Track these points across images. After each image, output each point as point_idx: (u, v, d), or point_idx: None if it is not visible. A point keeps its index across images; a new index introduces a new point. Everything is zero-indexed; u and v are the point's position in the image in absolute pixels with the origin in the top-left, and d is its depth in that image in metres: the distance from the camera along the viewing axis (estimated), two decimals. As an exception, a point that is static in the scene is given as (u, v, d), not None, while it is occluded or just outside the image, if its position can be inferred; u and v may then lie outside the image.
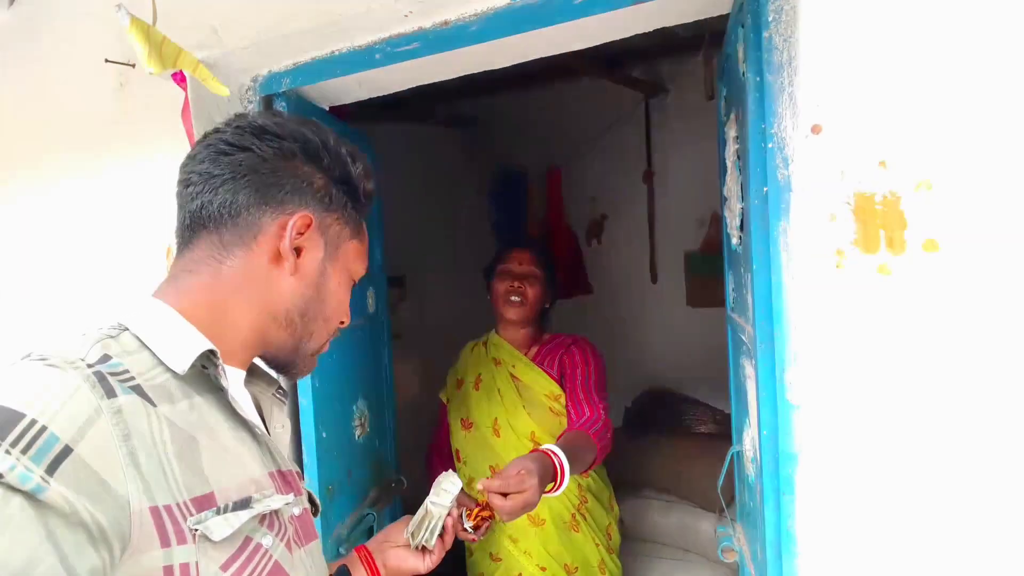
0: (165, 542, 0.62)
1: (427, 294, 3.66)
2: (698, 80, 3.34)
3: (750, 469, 1.35)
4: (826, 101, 0.88)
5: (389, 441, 2.07)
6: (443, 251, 3.61)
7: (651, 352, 3.74)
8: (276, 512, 0.74)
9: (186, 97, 1.17)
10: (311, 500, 0.90)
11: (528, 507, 1.23)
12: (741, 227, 1.26)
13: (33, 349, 0.66)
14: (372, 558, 1.10)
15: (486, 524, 1.39)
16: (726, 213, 1.38)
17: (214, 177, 0.76)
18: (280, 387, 0.93)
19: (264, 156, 0.77)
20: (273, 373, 0.89)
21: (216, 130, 0.80)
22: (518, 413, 1.84)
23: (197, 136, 1.41)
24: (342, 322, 0.89)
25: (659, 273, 3.64)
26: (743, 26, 1.11)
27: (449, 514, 1.15)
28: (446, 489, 1.16)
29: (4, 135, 1.69)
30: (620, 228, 3.74)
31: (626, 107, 3.58)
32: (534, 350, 1.92)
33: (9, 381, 0.61)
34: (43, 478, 0.55)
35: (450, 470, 1.24)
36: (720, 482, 1.56)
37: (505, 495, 1.22)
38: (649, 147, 3.56)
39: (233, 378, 0.78)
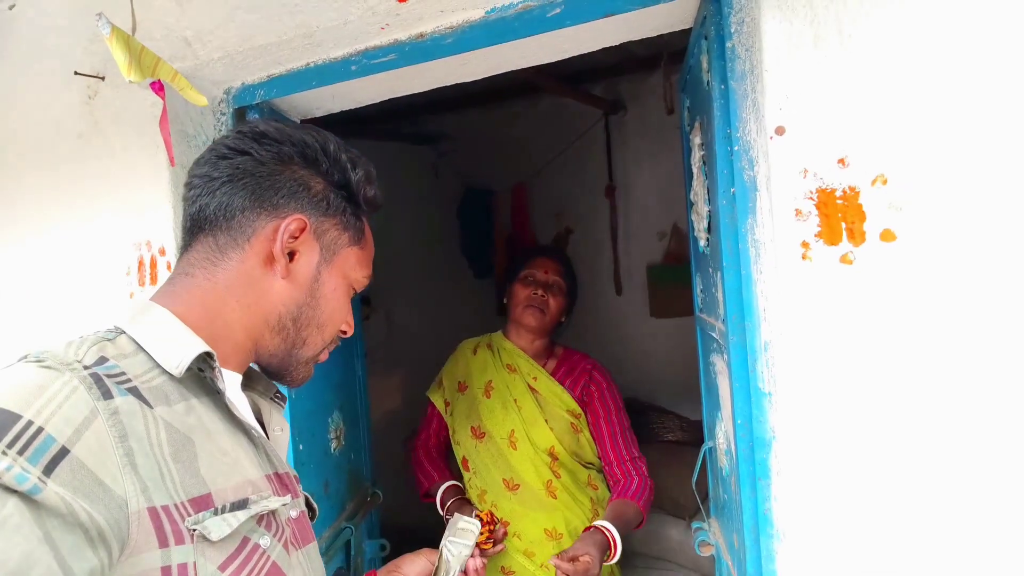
0: (163, 542, 0.62)
1: (394, 311, 3.67)
2: (656, 97, 3.46)
3: (723, 462, 1.39)
4: (788, 104, 0.95)
5: (364, 454, 2.06)
6: (409, 268, 3.62)
7: (617, 362, 3.77)
8: (274, 513, 0.75)
9: (164, 107, 1.17)
10: (308, 504, 0.90)
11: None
12: (709, 229, 1.32)
13: (29, 351, 0.66)
14: None
15: (492, 541, 1.61)
16: (693, 217, 1.44)
17: (213, 180, 0.78)
18: (279, 391, 0.93)
19: (261, 160, 0.78)
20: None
21: (224, 136, 0.82)
22: (538, 425, 1.82)
23: (176, 146, 1.43)
24: (343, 331, 0.88)
25: (623, 285, 3.72)
26: (706, 38, 1.18)
27: (473, 555, 1.15)
28: (463, 528, 1.14)
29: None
30: (585, 242, 3.81)
31: (587, 124, 3.68)
32: (552, 363, 1.91)
33: (5, 383, 0.61)
34: (40, 479, 0.55)
35: (461, 514, 1.25)
36: (695, 476, 1.61)
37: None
38: (610, 162, 3.65)
39: (230, 381, 0.79)
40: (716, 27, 1.10)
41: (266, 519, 0.73)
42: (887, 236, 0.90)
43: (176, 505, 0.64)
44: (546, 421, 1.82)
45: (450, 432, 1.98)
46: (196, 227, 0.79)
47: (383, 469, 2.24)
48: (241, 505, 0.70)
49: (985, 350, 0.86)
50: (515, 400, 1.85)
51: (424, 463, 2.02)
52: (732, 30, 1.07)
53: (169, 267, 1.45)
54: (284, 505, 0.76)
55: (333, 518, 1.81)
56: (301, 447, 1.64)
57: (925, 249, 0.88)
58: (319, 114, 1.68)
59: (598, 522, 1.67)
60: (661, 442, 3.28)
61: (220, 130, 1.53)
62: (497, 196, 4.02)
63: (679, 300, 3.67)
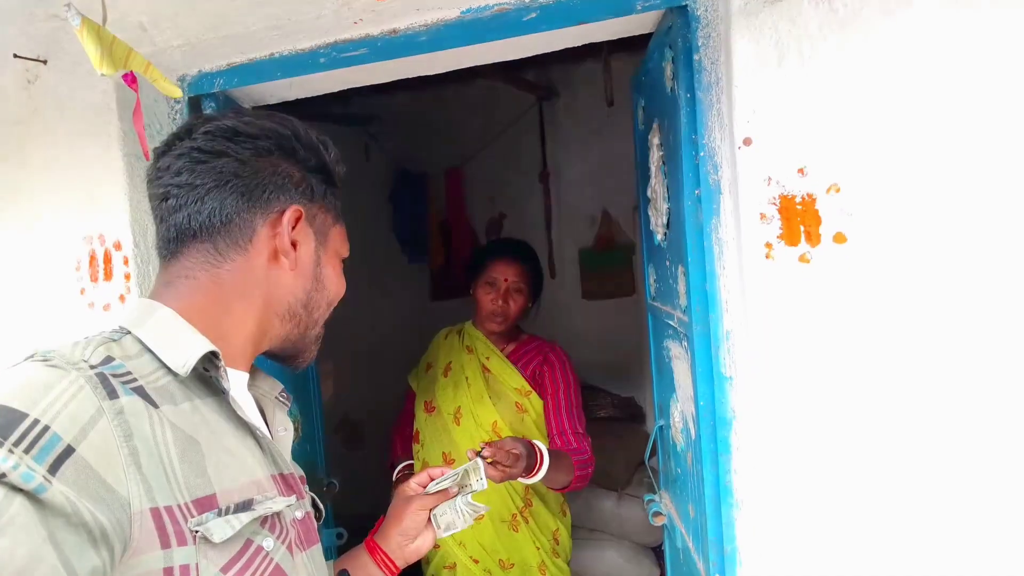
0: (165, 543, 0.63)
1: (328, 296, 3.61)
2: (587, 84, 3.56)
3: (679, 439, 1.51)
4: (755, 118, 1.05)
5: (319, 445, 2.06)
6: (342, 252, 3.56)
7: (551, 343, 3.93)
8: (278, 515, 0.75)
9: (138, 99, 1.13)
10: (315, 505, 0.91)
11: (510, 479, 1.44)
12: (668, 225, 1.42)
13: (35, 350, 0.66)
14: (390, 560, 1.06)
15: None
16: (650, 212, 1.53)
17: (196, 187, 0.76)
18: (283, 390, 0.93)
19: (242, 159, 0.78)
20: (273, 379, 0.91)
21: (179, 136, 0.79)
22: (483, 402, 1.88)
23: (128, 135, 1.37)
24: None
25: (556, 268, 3.83)
26: (671, 47, 1.26)
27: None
28: (481, 477, 1.15)
29: None
30: (518, 226, 3.88)
31: (520, 109, 3.73)
32: (511, 347, 1.96)
33: (11, 381, 0.61)
34: (45, 478, 0.55)
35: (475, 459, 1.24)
36: (647, 453, 1.73)
37: (494, 464, 1.37)
38: (544, 148, 3.73)
39: (235, 380, 0.79)
40: (683, 39, 1.18)
41: (270, 521, 0.74)
42: (839, 238, 1.02)
43: (179, 506, 0.64)
44: (490, 398, 1.87)
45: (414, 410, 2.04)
46: (186, 235, 0.78)
47: (334, 459, 2.24)
48: (245, 507, 0.70)
49: (921, 337, 1.00)
50: (467, 378, 1.92)
51: (395, 440, 2.11)
52: (699, 43, 1.16)
53: (127, 262, 1.40)
54: (289, 506, 0.77)
55: (293, 509, 1.81)
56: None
57: (871, 250, 1.01)
58: (273, 102, 1.64)
59: (535, 441, 1.63)
60: (593, 419, 3.44)
61: (174, 118, 1.48)
62: (430, 179, 4.01)
63: (609, 283, 3.84)
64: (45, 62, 1.39)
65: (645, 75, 1.53)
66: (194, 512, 0.65)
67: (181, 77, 1.47)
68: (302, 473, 0.90)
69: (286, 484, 0.80)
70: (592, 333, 3.73)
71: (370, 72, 1.45)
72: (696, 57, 1.16)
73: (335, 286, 0.88)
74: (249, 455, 0.75)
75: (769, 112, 1.04)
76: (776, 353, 1.09)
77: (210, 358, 0.72)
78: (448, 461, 1.88)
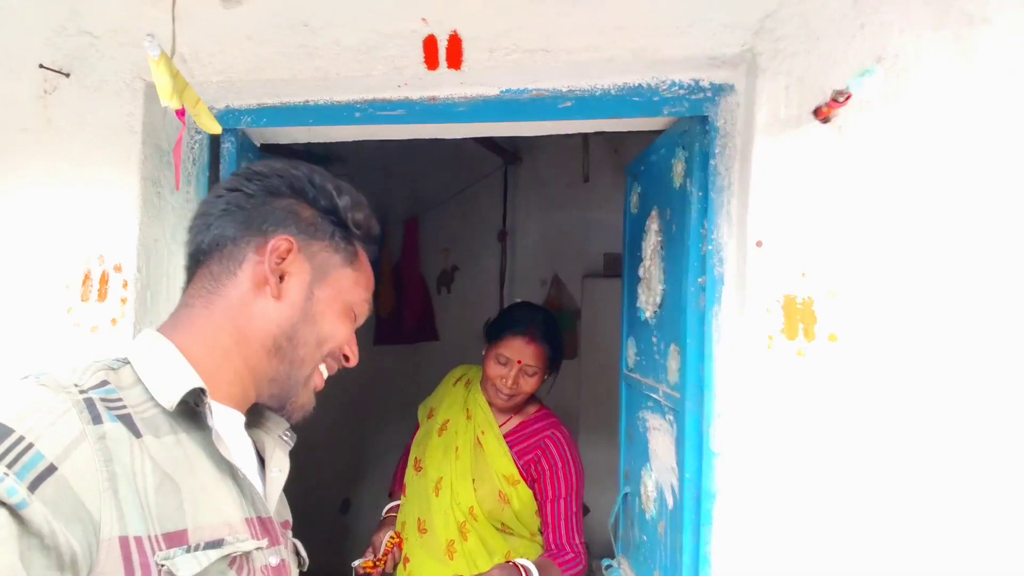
0: (130, 573, 0.63)
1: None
2: (550, 155, 3.74)
3: (650, 507, 1.59)
4: (767, 224, 1.18)
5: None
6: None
7: (490, 399, 3.96)
8: (247, 556, 0.74)
9: (182, 131, 1.14)
10: (298, 552, 0.89)
11: None
12: (660, 304, 1.53)
13: (33, 371, 0.68)
14: None
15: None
16: (640, 290, 1.65)
17: (207, 216, 0.82)
18: (288, 429, 0.92)
19: (251, 193, 0.82)
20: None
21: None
22: (465, 482, 1.80)
23: (148, 160, 1.36)
24: (346, 358, 0.89)
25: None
26: (684, 148, 1.40)
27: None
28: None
29: None
30: (470, 280, 3.96)
31: (486, 169, 3.86)
32: (514, 422, 1.87)
33: (1, 398, 0.63)
34: (27, 494, 0.57)
35: (382, 532, 1.33)
36: (612, 518, 1.80)
37: None
38: (505, 209, 3.86)
39: (226, 417, 0.80)
40: (700, 144, 1.32)
41: (239, 562, 0.73)
42: (832, 338, 1.16)
43: (150, 537, 0.65)
44: (473, 481, 1.79)
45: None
46: (194, 263, 0.83)
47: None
48: (215, 544, 0.70)
49: (897, 431, 1.14)
50: (457, 448, 1.84)
51: (398, 469, 2.10)
52: (716, 151, 1.30)
53: (125, 285, 1.36)
54: (259, 549, 0.76)
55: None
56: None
57: (858, 350, 1.15)
58: (284, 142, 1.67)
59: (517, 560, 1.71)
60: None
61: (193, 148, 1.48)
62: (388, 227, 4.04)
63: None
64: (68, 75, 1.37)
65: (646, 166, 1.67)
66: (163, 546, 0.65)
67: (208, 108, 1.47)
68: (288, 519, 0.89)
69: (263, 528, 0.78)
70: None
71: (394, 130, 1.51)
72: (712, 162, 1.30)
73: (330, 327, 0.85)
74: (226, 495, 0.74)
75: (780, 221, 1.18)
76: (765, 434, 1.20)
77: (198, 394, 0.73)
78: (422, 530, 1.85)
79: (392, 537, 1.90)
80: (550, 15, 1.24)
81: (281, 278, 0.81)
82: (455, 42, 1.28)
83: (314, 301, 0.83)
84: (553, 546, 1.80)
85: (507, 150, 3.78)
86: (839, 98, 1.07)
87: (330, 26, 1.28)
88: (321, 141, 1.65)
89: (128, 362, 0.74)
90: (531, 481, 1.81)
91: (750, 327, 1.19)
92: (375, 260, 0.93)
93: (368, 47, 1.29)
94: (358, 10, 1.27)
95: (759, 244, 1.18)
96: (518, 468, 1.80)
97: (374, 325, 4.10)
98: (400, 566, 1.88)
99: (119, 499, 0.63)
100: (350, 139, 1.61)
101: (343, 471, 3.88)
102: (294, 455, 0.91)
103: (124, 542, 0.62)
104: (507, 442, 1.83)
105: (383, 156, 3.83)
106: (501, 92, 1.37)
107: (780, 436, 1.19)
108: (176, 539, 0.66)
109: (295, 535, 0.90)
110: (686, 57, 1.26)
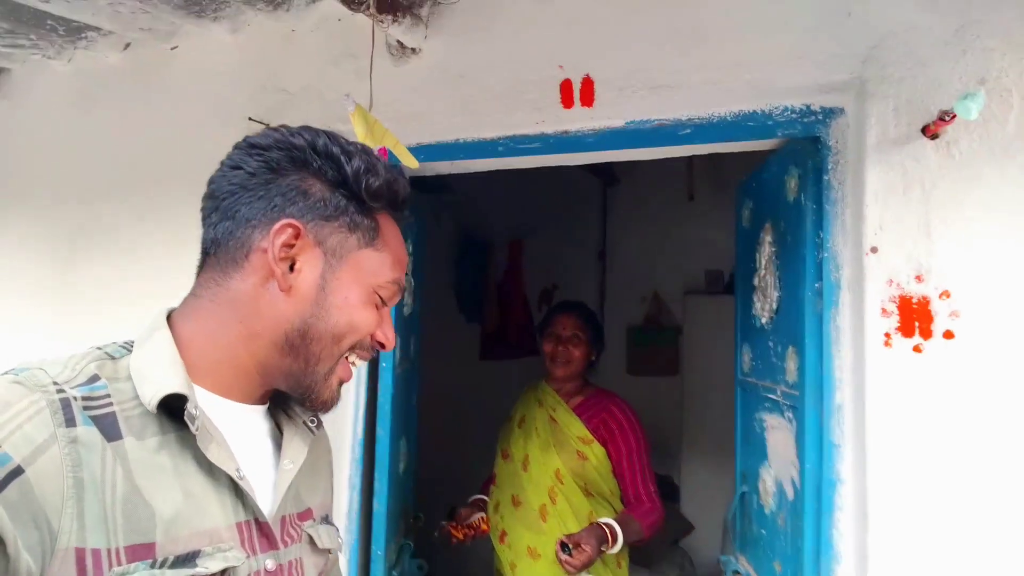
0: None
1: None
2: (649, 175, 3.89)
3: (768, 502, 1.70)
4: (880, 232, 1.30)
5: (412, 479, 2.23)
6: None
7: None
8: (232, 570, 0.69)
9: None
10: (312, 542, 0.82)
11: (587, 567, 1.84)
12: (776, 311, 1.66)
13: (16, 365, 0.66)
14: None
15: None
16: (755, 298, 1.77)
17: (215, 199, 0.75)
18: (314, 416, 0.87)
19: (252, 171, 0.73)
20: None
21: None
22: (548, 451, 2.12)
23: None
24: (380, 344, 0.81)
25: (605, 343, 4.05)
26: (797, 165, 1.53)
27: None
28: None
29: (118, 170, 1.78)
30: (570, 298, 4.13)
31: (585, 190, 4.05)
32: (577, 400, 2.20)
33: None
34: None
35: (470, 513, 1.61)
36: (729, 514, 1.91)
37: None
38: (604, 229, 4.03)
39: (227, 412, 0.75)
40: (813, 162, 1.46)
41: None
42: (948, 335, 1.25)
43: (109, 550, 0.61)
44: (554, 447, 2.10)
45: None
46: (205, 251, 0.77)
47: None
48: (187, 559, 0.65)
49: (1018, 423, 1.22)
50: (536, 429, 2.17)
51: (488, 480, 2.39)
52: (829, 167, 1.43)
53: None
54: (243, 562, 0.70)
55: (395, 533, 1.98)
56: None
57: (975, 346, 1.24)
58: (429, 175, 1.92)
59: (600, 519, 1.98)
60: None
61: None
62: (493, 248, 4.30)
63: (654, 360, 4.06)
64: (267, 125, 1.67)
65: (757, 183, 1.80)
66: (124, 560, 0.62)
67: (371, 148, 1.74)
68: (304, 509, 0.83)
69: (260, 532, 0.74)
70: (635, 408, 3.91)
71: (530, 160, 1.73)
72: (825, 178, 1.43)
73: (349, 318, 0.76)
74: (214, 500, 0.70)
75: (893, 228, 1.29)
76: (883, 426, 1.31)
77: (180, 398, 0.67)
78: (516, 504, 2.14)
79: (481, 518, 2.19)
80: (673, 55, 1.42)
81: (292, 267, 0.73)
82: (588, 84, 1.48)
83: (329, 291, 0.74)
84: (632, 498, 2.10)
85: (606, 171, 3.96)
86: (945, 117, 1.19)
87: (482, 76, 1.51)
88: (460, 172, 1.89)
89: (130, 350, 0.72)
90: (603, 441, 2.10)
91: (867, 326, 1.31)
92: (415, 226, 0.78)
93: (514, 92, 1.51)
94: (505, 61, 1.49)
95: (874, 250, 1.30)
96: (588, 430, 2.11)
97: (480, 341, 4.35)
98: (497, 541, 2.16)
99: (82, 508, 0.60)
100: (489, 169, 1.84)
101: (448, 479, 4.11)
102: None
103: (80, 554, 0.59)
104: (575, 413, 2.15)
105: (487, 182, 4.11)
106: (626, 123, 1.55)
107: (898, 427, 1.29)
108: (141, 552, 0.63)
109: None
110: (798, 85, 1.41)
